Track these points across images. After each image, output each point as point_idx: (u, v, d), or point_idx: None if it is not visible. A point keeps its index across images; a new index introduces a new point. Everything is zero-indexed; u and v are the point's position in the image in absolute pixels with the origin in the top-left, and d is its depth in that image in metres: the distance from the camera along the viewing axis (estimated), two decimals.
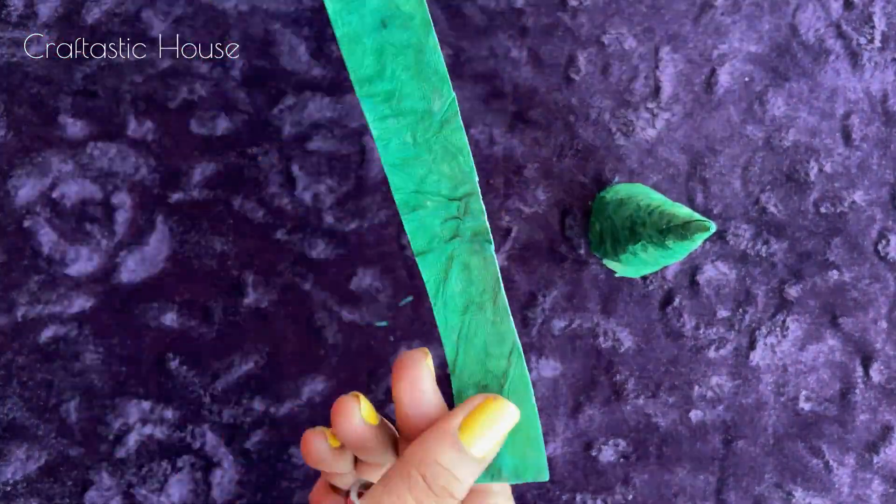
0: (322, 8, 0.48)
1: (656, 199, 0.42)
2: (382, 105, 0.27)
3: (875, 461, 0.47)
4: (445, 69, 0.26)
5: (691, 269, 0.48)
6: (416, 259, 0.29)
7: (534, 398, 0.28)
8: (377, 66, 0.27)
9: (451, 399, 0.39)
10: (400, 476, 0.23)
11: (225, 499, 0.46)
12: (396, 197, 0.27)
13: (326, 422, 0.47)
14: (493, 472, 0.28)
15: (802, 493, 0.47)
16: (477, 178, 0.28)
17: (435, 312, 0.29)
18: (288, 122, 0.47)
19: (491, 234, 0.29)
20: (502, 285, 0.28)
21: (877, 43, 0.49)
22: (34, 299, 0.46)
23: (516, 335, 0.28)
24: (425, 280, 0.29)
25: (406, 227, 0.28)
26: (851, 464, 0.47)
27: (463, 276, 0.28)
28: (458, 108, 0.28)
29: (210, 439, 0.46)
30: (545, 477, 0.27)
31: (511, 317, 0.28)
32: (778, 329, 0.47)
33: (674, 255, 0.40)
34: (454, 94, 0.27)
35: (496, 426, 0.24)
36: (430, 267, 0.29)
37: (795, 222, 0.48)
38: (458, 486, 0.24)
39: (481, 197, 0.28)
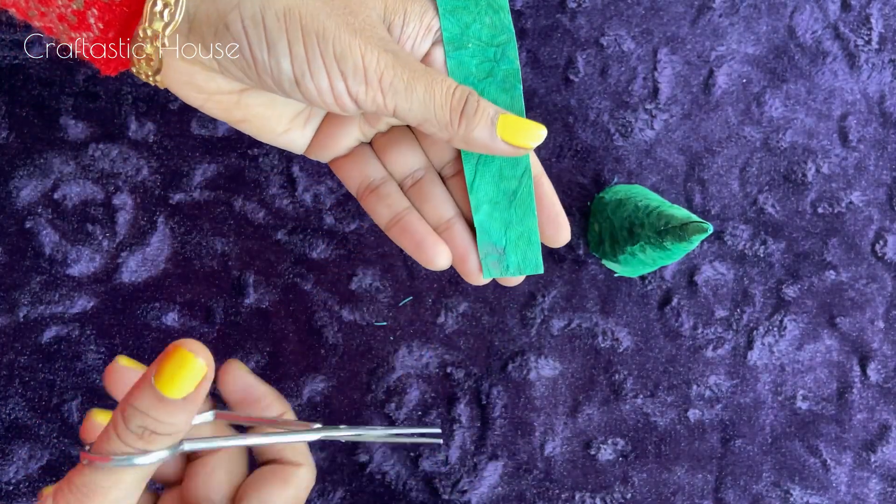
0: None
1: (654, 199, 0.42)
2: None
3: (872, 460, 0.47)
4: None
5: (689, 270, 0.48)
6: None
7: (535, 210, 0.33)
8: None
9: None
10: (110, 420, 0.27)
11: None
12: (445, 36, 0.32)
13: (327, 421, 0.47)
14: (501, 268, 0.33)
15: (800, 492, 0.47)
16: (514, 31, 0.32)
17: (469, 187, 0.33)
18: None
19: (521, 76, 0.32)
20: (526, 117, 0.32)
21: (874, 44, 0.49)
22: (36, 300, 0.46)
23: (529, 159, 0.33)
24: None
25: (448, 64, 0.32)
26: (849, 462, 0.47)
27: None
28: None
29: None
30: (540, 270, 0.33)
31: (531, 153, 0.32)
32: (775, 329, 0.48)
33: (672, 256, 0.40)
34: None
35: (184, 373, 0.26)
36: None
37: (793, 223, 0.48)
38: (161, 427, 0.26)
39: (516, 45, 0.32)
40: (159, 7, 0.28)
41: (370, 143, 0.35)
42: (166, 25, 0.29)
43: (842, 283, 0.48)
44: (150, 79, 0.31)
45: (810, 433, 0.47)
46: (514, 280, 0.34)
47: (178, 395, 0.26)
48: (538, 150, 0.48)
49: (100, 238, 0.47)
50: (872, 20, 0.49)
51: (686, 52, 0.49)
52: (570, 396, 0.47)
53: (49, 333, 0.46)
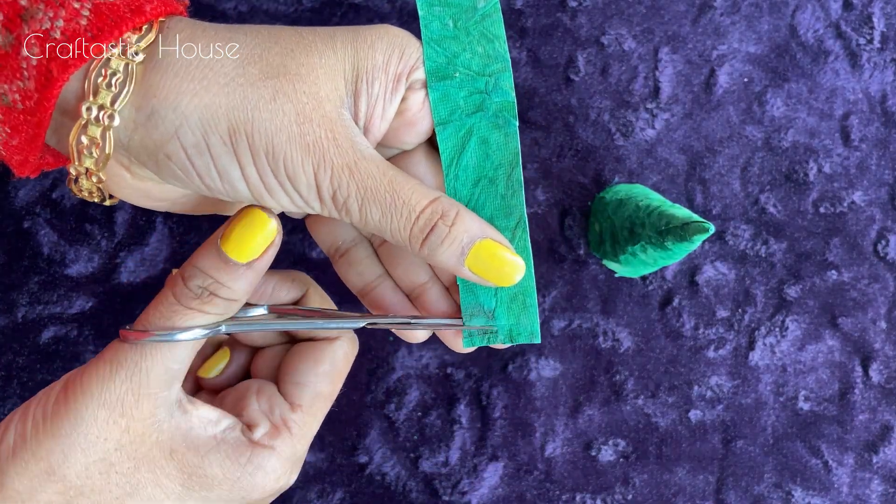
0: (321, 9, 0.48)
1: (655, 199, 0.42)
2: None
3: (874, 461, 0.47)
4: None
5: (691, 270, 0.48)
6: (436, 130, 0.29)
7: (532, 268, 0.29)
8: None
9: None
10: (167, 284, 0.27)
11: None
12: (427, 65, 0.28)
13: (327, 421, 0.47)
14: (488, 334, 0.29)
15: (802, 493, 0.47)
16: (510, 60, 0.29)
17: (445, 184, 0.30)
18: None
19: (517, 111, 0.29)
20: (521, 161, 0.29)
21: (876, 43, 0.49)
22: (34, 300, 0.46)
23: (524, 210, 0.29)
24: (441, 151, 0.29)
25: (430, 97, 0.28)
26: (851, 463, 0.47)
27: (480, 150, 0.29)
28: (500, 9, 0.29)
29: None
30: (537, 340, 0.29)
31: (524, 192, 0.29)
32: (777, 329, 0.48)
33: (673, 256, 0.40)
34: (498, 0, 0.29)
35: (253, 233, 0.26)
36: (448, 139, 0.29)
37: (794, 223, 0.48)
38: (222, 290, 0.26)
39: (512, 76, 0.29)
40: (85, 142, 0.25)
41: None
42: (98, 161, 0.26)
43: (844, 284, 0.48)
44: (97, 199, 0.28)
45: (812, 434, 0.47)
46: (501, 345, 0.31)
47: (244, 259, 0.26)
48: (538, 150, 0.48)
49: (98, 238, 0.47)
50: (874, 19, 0.49)
51: (687, 51, 0.49)
52: (570, 397, 0.47)
53: (47, 334, 0.46)
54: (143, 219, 0.47)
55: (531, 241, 0.47)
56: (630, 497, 0.47)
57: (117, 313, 0.47)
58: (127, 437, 0.26)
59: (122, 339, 0.27)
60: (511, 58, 0.48)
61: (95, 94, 0.25)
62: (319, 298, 0.32)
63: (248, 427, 0.28)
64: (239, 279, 0.26)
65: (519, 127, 0.48)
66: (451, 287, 0.32)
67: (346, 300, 0.47)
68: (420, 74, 0.28)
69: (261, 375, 0.32)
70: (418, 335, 0.31)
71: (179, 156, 0.26)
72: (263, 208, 0.27)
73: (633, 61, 0.48)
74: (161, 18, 0.26)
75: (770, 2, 0.49)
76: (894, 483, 0.47)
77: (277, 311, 0.30)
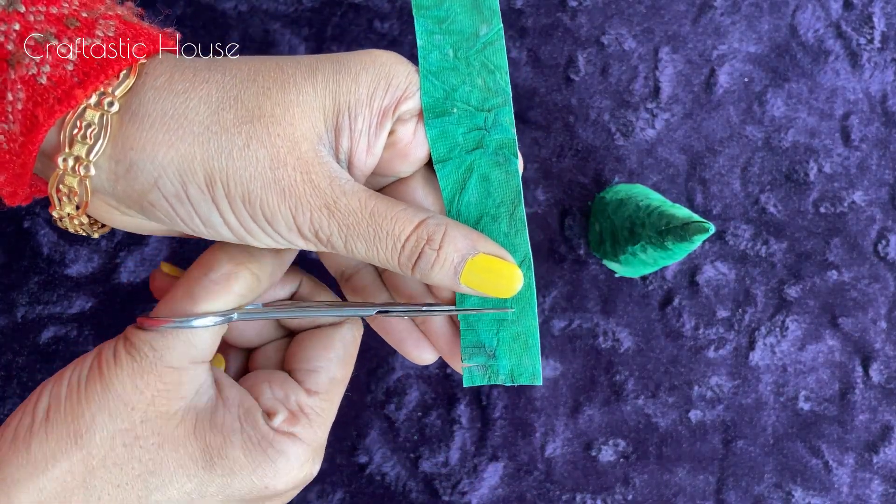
0: (321, 8, 0.48)
1: (655, 199, 0.42)
2: (433, 24, 0.28)
3: (875, 461, 0.47)
4: (498, 6, 0.28)
5: (691, 270, 0.48)
6: (435, 168, 0.29)
7: (535, 308, 0.29)
8: (437, 1, 0.28)
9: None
10: None
11: None
12: (423, 100, 0.27)
13: None
14: (489, 373, 0.29)
15: (802, 493, 0.47)
16: (511, 93, 0.28)
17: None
18: None
19: (517, 148, 0.29)
20: (523, 199, 0.28)
21: (876, 43, 0.49)
22: (34, 300, 0.46)
23: (529, 248, 0.28)
24: (441, 189, 0.29)
25: (427, 134, 0.28)
26: (851, 464, 0.47)
27: (481, 187, 0.28)
28: (504, 37, 0.28)
29: None
30: (539, 381, 0.28)
31: (527, 229, 0.28)
32: (777, 329, 0.48)
33: (673, 256, 0.40)
34: (501, 25, 0.28)
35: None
36: (448, 176, 0.28)
37: (795, 223, 0.48)
38: (254, 265, 0.29)
39: (513, 111, 0.28)
40: (64, 190, 0.26)
41: None
42: (78, 207, 0.26)
43: (844, 284, 0.48)
44: (91, 235, 0.29)
45: (812, 434, 0.47)
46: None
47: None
48: (538, 150, 0.48)
49: (98, 238, 0.47)
50: (875, 19, 0.49)
51: (687, 50, 0.49)
52: (570, 397, 0.47)
53: (47, 334, 0.46)
54: None
55: (531, 242, 0.47)
56: (630, 497, 0.47)
57: (117, 313, 0.47)
58: (153, 409, 0.27)
59: (139, 327, 0.27)
60: (511, 58, 0.48)
61: (71, 145, 0.25)
62: (314, 287, 0.32)
63: (267, 414, 0.28)
64: (267, 257, 0.28)
65: (519, 127, 0.48)
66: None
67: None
68: (409, 105, 0.27)
69: (263, 367, 0.32)
70: (425, 356, 0.31)
71: (162, 204, 0.26)
72: None
73: (633, 61, 0.48)
74: (142, 60, 0.26)
75: (770, 2, 0.49)
76: (894, 483, 0.47)
77: (272, 306, 0.30)
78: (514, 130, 0.28)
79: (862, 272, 0.48)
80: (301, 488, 0.29)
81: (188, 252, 0.47)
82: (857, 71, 0.49)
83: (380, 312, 0.29)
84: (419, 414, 0.47)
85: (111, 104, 0.25)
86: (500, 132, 0.28)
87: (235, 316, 0.28)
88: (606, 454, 0.47)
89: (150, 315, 0.27)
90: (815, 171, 0.48)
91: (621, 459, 0.47)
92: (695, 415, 0.47)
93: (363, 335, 0.47)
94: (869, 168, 0.48)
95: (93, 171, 0.25)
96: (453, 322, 0.31)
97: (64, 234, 0.47)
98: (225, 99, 0.26)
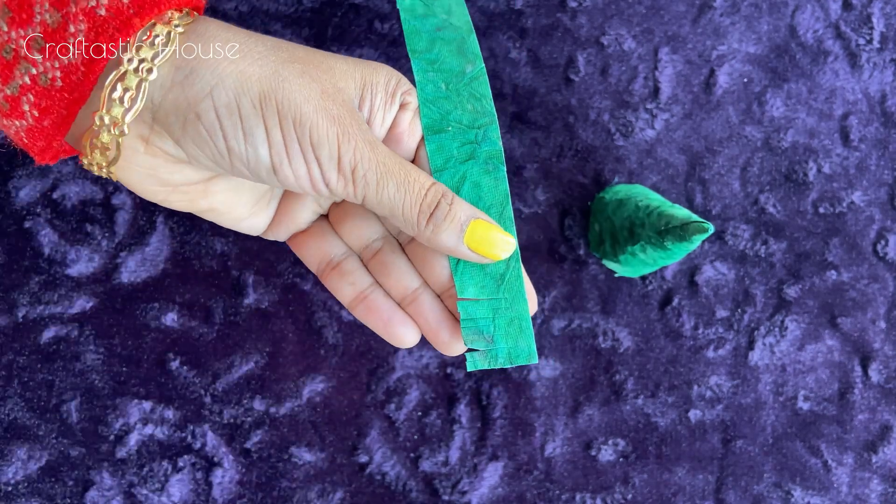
0: (321, 9, 0.48)
1: (655, 199, 0.42)
2: (426, 64, 0.33)
3: (874, 461, 0.47)
4: (479, 50, 0.33)
5: (690, 270, 0.48)
6: (433, 176, 0.33)
7: (526, 295, 0.32)
8: (428, 46, 0.33)
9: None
10: None
11: (226, 498, 0.46)
12: (423, 122, 0.32)
13: (327, 421, 0.47)
14: (490, 358, 0.32)
15: (801, 493, 0.47)
16: (496, 115, 0.33)
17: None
18: None
19: (504, 157, 0.33)
20: (510, 201, 0.33)
21: (875, 44, 0.49)
22: (35, 300, 0.46)
23: (517, 244, 0.32)
24: None
25: (427, 148, 0.32)
26: (850, 463, 0.47)
27: (473, 192, 0.32)
28: (486, 72, 0.33)
29: (210, 439, 0.46)
30: (535, 360, 0.32)
31: (514, 227, 0.32)
32: (777, 329, 0.48)
33: (672, 256, 0.40)
34: (483, 65, 0.33)
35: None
36: (444, 183, 0.32)
37: (794, 223, 0.48)
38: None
39: (499, 127, 0.33)
40: (118, 92, 0.27)
41: (327, 216, 0.34)
42: (126, 111, 0.27)
43: (843, 284, 0.48)
44: (104, 171, 0.29)
45: (811, 434, 0.47)
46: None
47: None
48: (538, 150, 0.48)
49: (99, 238, 0.47)
50: (874, 19, 0.49)
51: (687, 51, 0.49)
52: (570, 397, 0.47)
53: (48, 334, 0.46)
54: (144, 219, 0.47)
55: (531, 241, 0.47)
56: (630, 497, 0.47)
57: (118, 313, 0.47)
58: None
59: None
60: (511, 58, 0.48)
61: (138, 49, 0.27)
62: None
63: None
64: None
65: (519, 127, 0.48)
66: (442, 294, 0.33)
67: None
68: (409, 98, 0.31)
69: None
70: (408, 338, 0.33)
71: (209, 115, 0.27)
72: None
73: (632, 61, 0.48)
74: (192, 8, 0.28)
75: (770, 2, 0.49)
76: (894, 483, 0.47)
77: None
78: (501, 143, 0.32)
79: (861, 272, 0.48)
80: None
81: (188, 253, 0.47)
82: (856, 71, 0.49)
83: None
84: (419, 413, 0.47)
85: (177, 26, 0.27)
86: (489, 145, 0.32)
87: None
88: (606, 454, 0.47)
89: None
90: (815, 171, 0.48)
91: (621, 459, 0.47)
92: (694, 414, 0.47)
93: (364, 336, 0.48)
94: (868, 168, 0.48)
95: (154, 74, 0.27)
96: (440, 301, 0.33)
97: (65, 234, 0.47)
98: (278, 45, 0.29)
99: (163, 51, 0.27)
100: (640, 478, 0.47)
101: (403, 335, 0.33)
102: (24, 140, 0.28)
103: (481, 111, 0.32)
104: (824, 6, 0.49)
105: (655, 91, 0.48)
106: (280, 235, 0.34)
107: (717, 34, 0.49)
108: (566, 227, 0.48)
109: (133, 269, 0.47)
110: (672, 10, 0.49)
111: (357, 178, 0.29)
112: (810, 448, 0.47)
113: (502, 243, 0.31)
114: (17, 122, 0.27)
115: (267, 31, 0.48)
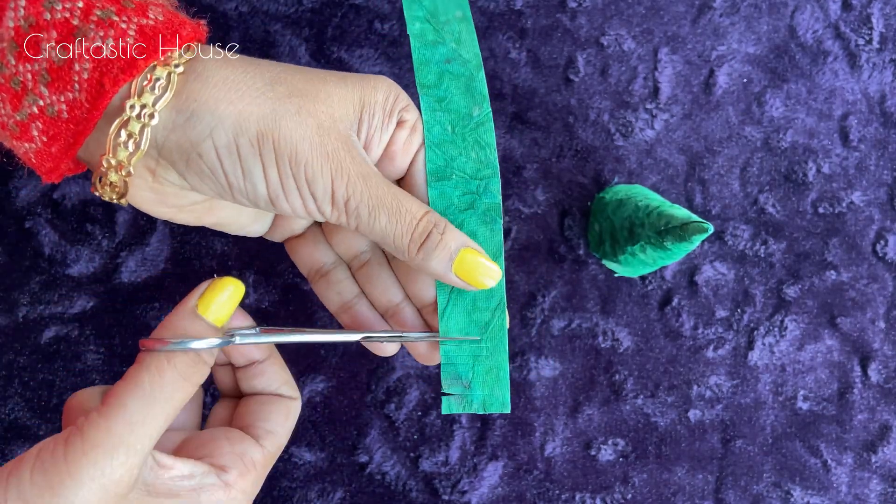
0: (321, 9, 0.48)
1: (655, 199, 0.42)
2: (434, 102, 0.33)
3: (873, 460, 0.47)
4: (487, 91, 0.34)
5: (690, 270, 0.48)
6: None
7: (507, 345, 0.33)
8: (437, 81, 0.34)
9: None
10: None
11: None
12: (428, 167, 0.33)
13: (327, 421, 0.47)
14: (465, 403, 0.33)
15: (801, 493, 0.47)
16: (499, 167, 0.33)
17: (438, 295, 0.34)
18: None
19: (502, 211, 0.33)
20: (503, 253, 0.33)
21: (875, 44, 0.49)
22: (35, 300, 0.46)
23: (504, 293, 0.33)
24: None
25: (429, 194, 0.33)
26: (850, 463, 0.47)
27: None
28: (492, 117, 0.34)
29: None
30: (507, 410, 0.33)
31: (504, 277, 0.33)
32: (776, 329, 0.48)
33: (672, 256, 0.40)
34: (490, 108, 0.34)
35: (227, 298, 0.29)
36: None
37: (794, 223, 0.48)
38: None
39: (500, 181, 0.33)
40: (123, 137, 0.28)
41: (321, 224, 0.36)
42: (131, 155, 0.28)
43: (842, 284, 0.48)
44: (115, 201, 0.31)
45: (811, 433, 0.47)
46: None
47: (216, 319, 0.29)
48: (538, 150, 0.48)
49: (99, 238, 0.47)
50: (873, 20, 0.49)
51: (687, 51, 0.49)
52: (570, 397, 0.47)
53: (48, 333, 0.46)
54: (144, 219, 0.47)
55: (531, 241, 0.47)
56: (629, 496, 0.47)
57: (118, 313, 0.47)
58: None
59: (142, 347, 0.28)
60: (511, 59, 0.48)
61: (140, 95, 0.28)
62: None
63: (221, 469, 0.30)
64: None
65: (519, 127, 0.48)
66: (423, 309, 0.35)
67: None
68: (407, 115, 0.32)
69: (214, 424, 0.34)
70: (388, 349, 0.34)
71: (210, 155, 0.28)
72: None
73: (632, 62, 0.48)
74: (194, 43, 0.29)
75: (769, 2, 0.49)
76: (893, 482, 0.47)
77: (268, 331, 0.33)
78: (500, 197, 0.33)
79: (860, 272, 0.48)
80: None
81: (188, 253, 0.47)
82: (855, 71, 0.49)
83: (365, 339, 0.33)
84: (419, 413, 0.47)
85: (177, 66, 0.28)
86: (490, 198, 0.33)
87: (237, 340, 0.30)
88: (606, 453, 0.47)
89: (152, 337, 0.29)
90: (814, 171, 0.48)
91: (620, 459, 0.47)
92: (694, 414, 0.47)
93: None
94: (867, 168, 0.49)
95: (156, 120, 0.28)
96: (420, 315, 0.34)
97: (65, 234, 0.47)
98: (276, 78, 0.29)
99: (163, 95, 0.28)
100: (639, 477, 0.47)
101: (384, 346, 0.34)
102: (33, 160, 0.29)
103: (485, 162, 0.33)
104: (824, 6, 0.49)
105: (655, 91, 0.48)
106: (276, 238, 0.36)
107: (717, 34, 0.49)
108: (566, 227, 0.48)
109: (133, 269, 0.47)
110: (672, 10, 0.49)
111: (350, 210, 0.30)
112: (810, 448, 0.47)
113: (489, 272, 0.32)
114: (26, 145, 0.29)
115: (267, 31, 0.48)
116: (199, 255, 0.47)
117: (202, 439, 0.31)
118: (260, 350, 0.33)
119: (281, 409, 0.33)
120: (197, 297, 0.29)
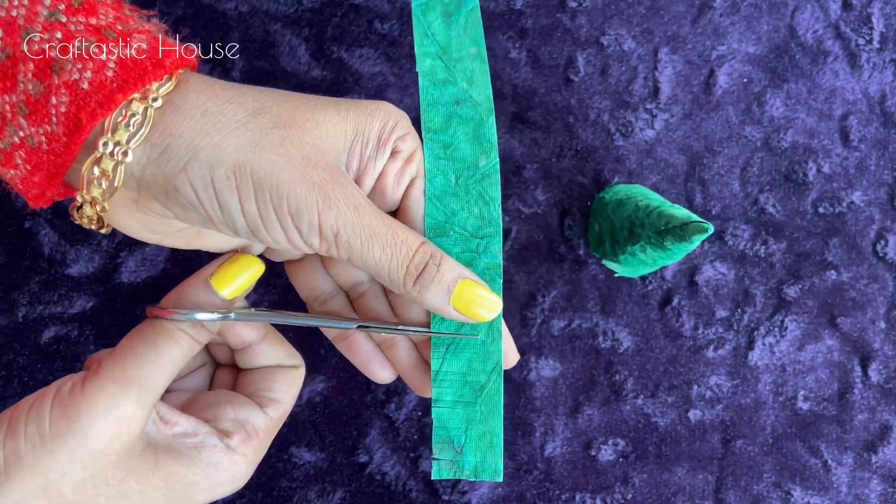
0: (321, 9, 0.48)
1: (655, 199, 0.42)
2: (439, 149, 0.32)
3: (873, 460, 0.47)
4: (496, 139, 0.32)
5: (690, 270, 0.48)
6: None
7: (502, 410, 0.32)
8: (444, 125, 0.32)
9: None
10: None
11: (226, 498, 0.46)
12: (427, 221, 0.32)
13: (327, 421, 0.47)
14: (455, 468, 0.32)
15: (801, 493, 0.47)
16: (501, 226, 0.32)
17: (432, 325, 0.33)
18: None
19: (502, 271, 0.32)
20: (502, 314, 0.32)
21: (875, 44, 0.49)
22: (35, 300, 0.46)
23: (501, 356, 0.32)
24: None
25: None
26: (850, 463, 0.47)
27: None
28: (499, 169, 0.32)
29: None
30: (499, 479, 0.32)
31: (502, 339, 0.32)
32: (776, 329, 0.48)
33: (672, 256, 0.40)
34: (498, 159, 0.32)
35: (242, 274, 0.30)
36: None
37: (794, 223, 0.48)
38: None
39: (501, 241, 0.32)
40: (96, 173, 0.27)
41: None
42: (105, 192, 0.28)
43: (843, 284, 0.48)
44: (95, 229, 0.31)
45: (811, 434, 0.47)
46: None
47: (228, 294, 0.31)
48: (538, 150, 0.48)
49: (99, 238, 0.47)
50: (873, 19, 0.49)
51: (687, 51, 0.49)
52: (570, 397, 0.47)
53: (48, 333, 0.46)
54: None
55: (531, 241, 0.47)
56: (630, 497, 0.47)
57: (118, 313, 0.47)
58: (124, 450, 0.28)
59: (148, 314, 0.29)
60: (511, 58, 0.48)
61: (114, 131, 0.27)
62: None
63: (224, 434, 0.30)
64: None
65: (519, 127, 0.48)
66: (419, 344, 0.34)
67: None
68: (402, 145, 0.31)
69: (218, 388, 0.34)
70: (384, 376, 0.34)
71: (186, 188, 0.28)
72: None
73: (632, 61, 0.48)
74: (179, 71, 0.28)
75: (769, 2, 0.49)
76: (893, 483, 0.47)
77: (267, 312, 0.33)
78: (501, 257, 0.32)
79: (861, 272, 0.48)
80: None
81: (188, 253, 0.47)
82: (855, 71, 0.49)
83: (360, 327, 0.32)
84: (419, 413, 0.47)
85: (155, 100, 0.27)
86: (490, 257, 0.32)
87: (233, 315, 0.30)
88: (606, 454, 0.47)
89: (158, 306, 0.30)
90: (814, 171, 0.48)
91: (621, 459, 0.47)
92: (694, 414, 0.47)
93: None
94: (868, 168, 0.49)
95: (129, 157, 0.27)
96: (416, 349, 0.34)
97: (65, 234, 0.47)
98: (261, 108, 0.28)
99: (138, 132, 0.27)
100: (639, 478, 0.47)
101: (381, 376, 0.34)
102: (20, 186, 0.29)
103: (488, 219, 0.32)
104: (824, 6, 0.49)
105: (655, 91, 0.48)
106: (275, 259, 0.35)
107: (717, 34, 0.49)
108: (566, 227, 0.48)
109: (133, 269, 0.47)
110: (672, 10, 0.49)
111: (341, 242, 0.29)
112: (810, 448, 0.47)
113: (488, 303, 0.31)
114: (11, 171, 0.28)
115: (267, 31, 0.48)
116: (198, 254, 0.47)
117: (207, 401, 0.31)
118: (256, 331, 0.33)
119: (285, 378, 0.33)
120: (213, 268, 0.30)
